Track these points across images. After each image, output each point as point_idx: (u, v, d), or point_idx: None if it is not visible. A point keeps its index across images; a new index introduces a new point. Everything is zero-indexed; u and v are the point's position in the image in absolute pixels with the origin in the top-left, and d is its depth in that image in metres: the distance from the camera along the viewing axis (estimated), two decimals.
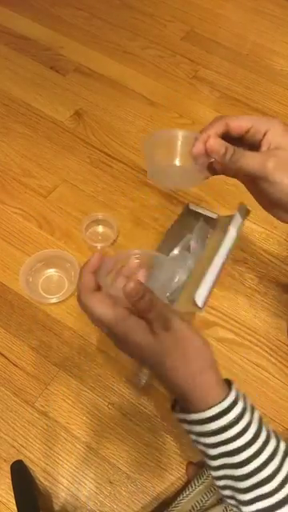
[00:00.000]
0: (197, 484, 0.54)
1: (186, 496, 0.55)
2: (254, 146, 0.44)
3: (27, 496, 0.55)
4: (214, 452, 0.38)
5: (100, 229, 0.80)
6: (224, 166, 0.46)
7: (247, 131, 0.43)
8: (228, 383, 0.40)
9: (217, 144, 0.42)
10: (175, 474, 0.60)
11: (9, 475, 0.58)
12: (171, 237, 0.66)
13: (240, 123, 0.43)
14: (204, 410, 0.37)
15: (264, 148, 0.43)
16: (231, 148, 0.42)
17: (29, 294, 0.70)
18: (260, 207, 0.62)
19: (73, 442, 0.61)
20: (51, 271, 0.74)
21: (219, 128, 0.43)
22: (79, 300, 0.41)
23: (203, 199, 0.84)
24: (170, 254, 0.63)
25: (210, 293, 0.48)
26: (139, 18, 1.18)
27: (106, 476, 0.59)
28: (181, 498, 0.55)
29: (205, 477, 0.54)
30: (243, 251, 0.79)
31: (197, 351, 0.39)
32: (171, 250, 0.66)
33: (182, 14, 1.21)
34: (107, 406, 0.64)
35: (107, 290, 0.40)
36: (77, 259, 0.73)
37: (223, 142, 0.42)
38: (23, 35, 1.10)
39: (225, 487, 0.39)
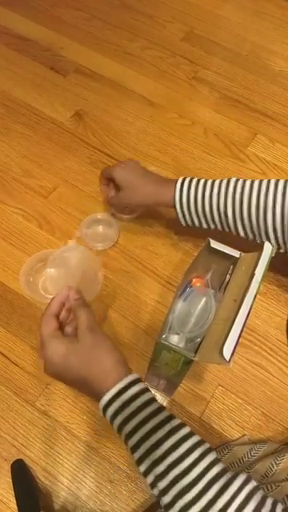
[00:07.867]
0: None
1: None
2: None
3: (28, 495, 0.56)
4: (134, 440, 0.43)
5: (100, 229, 0.81)
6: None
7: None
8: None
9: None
10: None
11: (9, 474, 0.58)
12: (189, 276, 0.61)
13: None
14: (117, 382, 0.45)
15: None
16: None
17: (29, 293, 0.70)
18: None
19: (73, 441, 0.61)
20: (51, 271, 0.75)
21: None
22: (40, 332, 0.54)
23: None
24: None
25: (237, 344, 0.45)
26: (139, 19, 1.19)
27: (107, 475, 0.59)
28: None
29: None
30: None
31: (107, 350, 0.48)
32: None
33: (181, 15, 1.21)
34: None
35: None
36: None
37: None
38: (23, 36, 1.11)
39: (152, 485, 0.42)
